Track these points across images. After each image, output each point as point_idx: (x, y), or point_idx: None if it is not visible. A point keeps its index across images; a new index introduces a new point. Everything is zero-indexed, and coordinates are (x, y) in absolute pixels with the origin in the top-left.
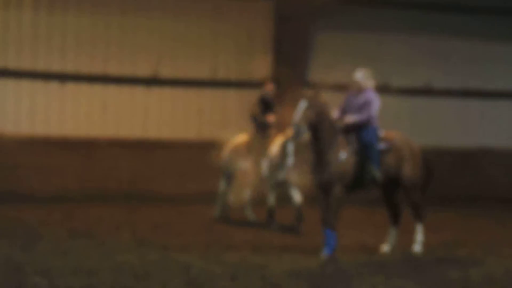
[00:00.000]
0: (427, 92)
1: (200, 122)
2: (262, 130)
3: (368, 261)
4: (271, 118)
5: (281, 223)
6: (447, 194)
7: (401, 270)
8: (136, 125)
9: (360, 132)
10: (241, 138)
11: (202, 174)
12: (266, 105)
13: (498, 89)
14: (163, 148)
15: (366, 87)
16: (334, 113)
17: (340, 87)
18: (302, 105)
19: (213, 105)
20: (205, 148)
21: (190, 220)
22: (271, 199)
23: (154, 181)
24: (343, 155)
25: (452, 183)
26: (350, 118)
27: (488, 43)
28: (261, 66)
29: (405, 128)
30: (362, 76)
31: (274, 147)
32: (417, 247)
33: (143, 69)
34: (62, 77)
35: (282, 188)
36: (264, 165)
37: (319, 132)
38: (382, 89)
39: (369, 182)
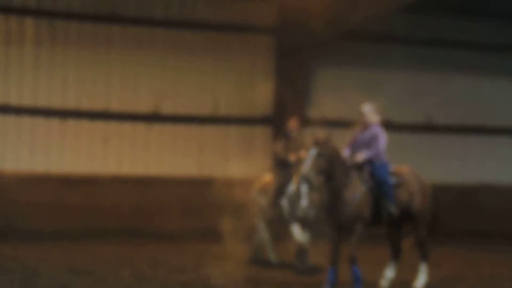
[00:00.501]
0: (428, 128)
1: (201, 158)
2: (284, 168)
3: None
4: (292, 156)
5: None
6: (448, 229)
7: None
8: (137, 161)
9: (372, 169)
10: (268, 177)
11: (202, 211)
12: (289, 143)
13: (498, 125)
14: (163, 184)
15: (372, 122)
16: (344, 152)
17: (341, 123)
18: (312, 152)
19: (214, 141)
20: (206, 185)
21: (190, 256)
22: (299, 236)
23: (154, 217)
24: (359, 194)
25: (453, 219)
26: (360, 156)
27: (488, 79)
28: (262, 102)
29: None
30: (369, 111)
31: (292, 185)
32: (418, 284)
33: (144, 106)
34: (63, 114)
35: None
36: (284, 203)
37: (332, 175)
38: (383, 125)
39: (386, 218)
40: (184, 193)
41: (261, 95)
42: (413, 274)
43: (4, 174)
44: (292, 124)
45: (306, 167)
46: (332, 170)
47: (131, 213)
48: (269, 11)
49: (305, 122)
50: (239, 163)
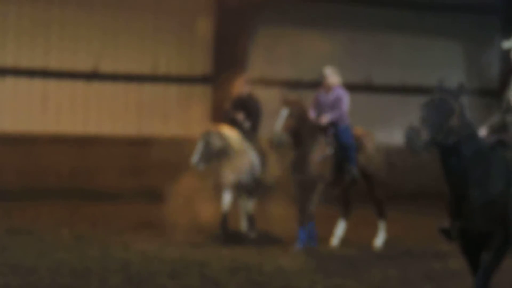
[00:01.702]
0: (367, 87)
1: (141, 117)
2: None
3: (310, 258)
4: (240, 115)
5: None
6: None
7: (341, 268)
8: (76, 120)
9: (336, 132)
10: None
11: (143, 171)
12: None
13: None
14: (103, 144)
15: (335, 84)
16: (310, 113)
17: (278, 83)
18: (284, 113)
19: (154, 100)
20: (146, 144)
21: (129, 217)
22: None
23: (94, 177)
24: (323, 155)
25: (394, 181)
26: (325, 118)
27: (427, 39)
28: (201, 61)
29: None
30: (331, 73)
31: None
32: (378, 242)
33: (83, 64)
34: (1, 72)
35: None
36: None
37: (300, 136)
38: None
39: (347, 180)
40: (124, 153)
41: (201, 54)
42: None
43: None
44: (240, 83)
45: (278, 126)
46: (301, 130)
47: (70, 172)
48: None
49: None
50: (178, 122)
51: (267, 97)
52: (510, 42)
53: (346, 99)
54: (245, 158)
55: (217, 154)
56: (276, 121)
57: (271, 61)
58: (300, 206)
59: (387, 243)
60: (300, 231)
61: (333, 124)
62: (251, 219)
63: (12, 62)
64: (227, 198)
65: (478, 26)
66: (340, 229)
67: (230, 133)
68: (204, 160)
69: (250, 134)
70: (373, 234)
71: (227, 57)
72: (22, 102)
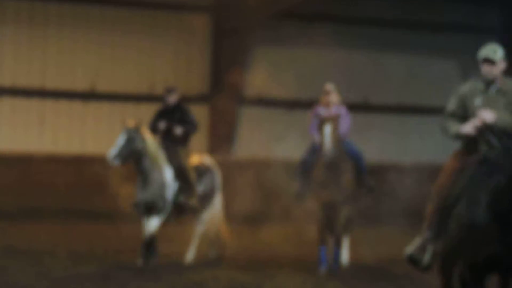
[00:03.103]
0: (364, 107)
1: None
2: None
3: (309, 276)
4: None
5: None
6: (387, 209)
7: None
8: (73, 139)
9: (345, 147)
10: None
11: None
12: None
13: (434, 105)
14: (100, 163)
15: (336, 101)
16: (311, 129)
17: (276, 102)
18: (328, 129)
19: (151, 119)
20: None
21: (126, 237)
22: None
23: (91, 196)
24: (349, 171)
25: (390, 199)
26: None
27: (422, 58)
28: (198, 81)
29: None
30: (332, 90)
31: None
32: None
33: (80, 83)
34: None
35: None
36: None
37: (338, 152)
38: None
39: (364, 193)
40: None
41: (198, 73)
42: None
43: None
44: (173, 97)
45: (328, 143)
46: (339, 146)
47: (68, 192)
48: None
49: (242, 100)
50: None
51: (265, 116)
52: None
53: (349, 116)
54: (157, 174)
55: (134, 156)
56: (323, 139)
57: (269, 80)
58: (323, 226)
59: (383, 262)
60: (321, 251)
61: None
62: (149, 243)
63: (9, 81)
64: (152, 221)
65: (475, 45)
66: (346, 247)
67: (151, 139)
68: (121, 157)
69: (173, 147)
70: (369, 254)
71: (224, 76)
72: (19, 121)
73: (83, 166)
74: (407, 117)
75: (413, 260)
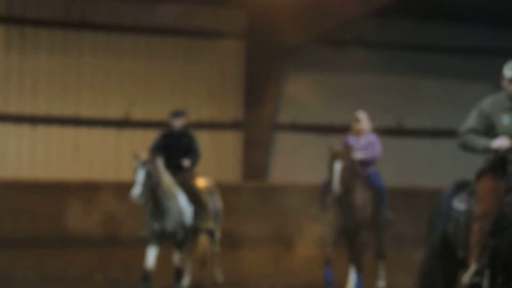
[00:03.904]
0: (398, 131)
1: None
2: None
3: None
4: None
5: None
6: (421, 234)
7: None
8: (108, 167)
9: (369, 177)
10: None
11: None
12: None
13: None
14: None
15: (367, 129)
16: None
17: (311, 128)
18: (338, 166)
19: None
20: None
21: (163, 261)
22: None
23: (126, 223)
24: (366, 201)
25: (423, 224)
26: (358, 154)
27: (457, 83)
28: (232, 107)
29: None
30: (364, 117)
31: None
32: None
33: (114, 111)
34: (34, 120)
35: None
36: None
37: (350, 185)
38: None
39: (383, 225)
40: None
41: (231, 100)
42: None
43: None
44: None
45: (336, 182)
46: (352, 182)
47: (103, 219)
48: (238, 17)
49: (276, 127)
50: (210, 168)
51: (299, 142)
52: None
53: (379, 144)
54: (172, 202)
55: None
56: (333, 175)
57: (302, 106)
58: (330, 248)
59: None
60: (327, 273)
61: (364, 165)
62: (178, 273)
63: (44, 110)
64: (152, 250)
65: None
66: (381, 276)
67: (162, 167)
68: (144, 194)
69: (182, 174)
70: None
71: (257, 102)
72: (54, 150)
73: (118, 193)
74: (441, 141)
75: (473, 285)
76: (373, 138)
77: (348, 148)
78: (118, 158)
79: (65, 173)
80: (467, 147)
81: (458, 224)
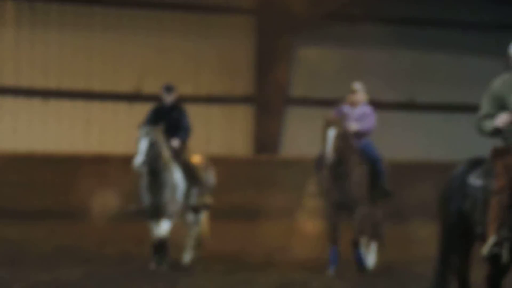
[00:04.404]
0: (410, 106)
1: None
2: None
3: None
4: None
5: None
6: (431, 208)
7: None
8: (119, 141)
9: (363, 148)
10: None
11: None
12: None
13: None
14: None
15: (362, 100)
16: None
17: (322, 102)
18: (331, 133)
19: (196, 120)
20: None
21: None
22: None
23: (137, 196)
24: (361, 173)
25: (435, 198)
26: (353, 126)
27: (470, 57)
28: (243, 81)
29: (388, 143)
30: (360, 89)
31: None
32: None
33: (126, 85)
34: (45, 94)
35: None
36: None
37: (344, 156)
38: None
39: (379, 197)
40: None
41: (243, 74)
42: None
43: None
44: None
45: (329, 148)
46: (345, 151)
47: (114, 192)
48: None
49: (287, 101)
50: (220, 142)
51: (310, 115)
52: None
53: (374, 116)
54: (168, 176)
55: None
56: (326, 143)
57: (313, 80)
58: (333, 225)
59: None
60: (332, 251)
61: (359, 137)
62: (162, 245)
63: (55, 84)
64: (153, 222)
65: None
66: (373, 251)
67: (163, 140)
68: (147, 163)
69: (177, 150)
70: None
71: (269, 77)
72: (66, 123)
73: (129, 166)
74: (453, 116)
75: (493, 256)
76: (368, 109)
77: (342, 117)
78: (129, 132)
79: (77, 147)
80: (483, 133)
81: (475, 201)
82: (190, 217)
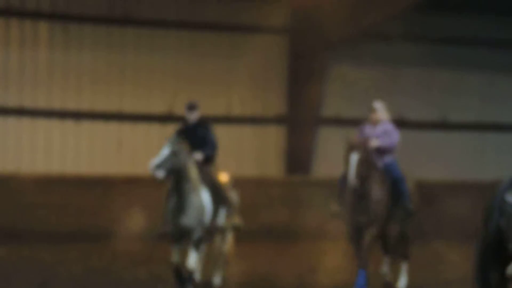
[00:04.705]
0: (443, 125)
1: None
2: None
3: None
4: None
5: None
6: (465, 228)
7: None
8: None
9: (386, 167)
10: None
11: None
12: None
13: None
14: None
15: (383, 118)
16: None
17: (355, 122)
18: (354, 158)
19: (228, 141)
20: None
21: (207, 256)
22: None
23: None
24: (382, 193)
25: (469, 217)
26: (374, 142)
27: (503, 76)
28: (276, 102)
29: (421, 162)
30: (380, 107)
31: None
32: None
33: (158, 106)
34: (78, 115)
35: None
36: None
37: (367, 179)
38: (397, 123)
39: (402, 216)
40: None
41: (275, 94)
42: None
43: (20, 176)
44: (194, 114)
45: (352, 174)
46: (369, 174)
47: (147, 213)
48: (282, 11)
49: (319, 121)
50: (253, 163)
51: (342, 136)
52: None
53: (396, 133)
54: (195, 198)
55: (175, 173)
56: (349, 167)
57: (346, 100)
58: (356, 249)
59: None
60: (360, 275)
61: (381, 154)
62: (190, 276)
63: (87, 106)
64: (176, 247)
65: None
66: (404, 273)
67: (191, 158)
68: (165, 169)
69: (204, 168)
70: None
71: (301, 97)
72: (98, 144)
73: (161, 188)
74: (486, 135)
75: None
76: (389, 126)
77: (364, 140)
78: None
79: (109, 168)
80: None
81: (510, 217)
82: (218, 238)
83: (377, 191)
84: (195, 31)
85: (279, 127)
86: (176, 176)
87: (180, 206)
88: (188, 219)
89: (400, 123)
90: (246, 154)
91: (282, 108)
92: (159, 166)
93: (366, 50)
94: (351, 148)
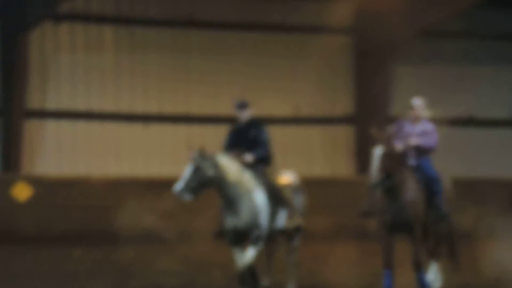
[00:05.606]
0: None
1: (285, 159)
2: None
3: None
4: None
5: None
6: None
7: None
8: None
9: (421, 166)
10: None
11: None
12: None
13: None
14: None
15: (424, 116)
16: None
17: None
18: (377, 152)
19: (297, 142)
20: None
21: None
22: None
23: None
24: (416, 192)
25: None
26: (413, 140)
27: None
28: (343, 102)
29: (492, 160)
30: (421, 104)
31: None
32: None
33: (225, 108)
34: (146, 118)
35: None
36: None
37: (396, 175)
38: (467, 121)
39: (436, 217)
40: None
41: (342, 95)
42: None
43: (91, 180)
44: (245, 113)
45: (375, 168)
46: (395, 170)
47: (217, 215)
48: (346, 11)
49: (387, 119)
50: (322, 163)
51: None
52: None
53: (436, 134)
54: (245, 199)
55: (209, 185)
56: (372, 162)
57: (411, 98)
58: (387, 248)
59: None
60: (386, 275)
61: (419, 154)
62: (247, 275)
63: (155, 108)
64: (235, 250)
65: None
66: (433, 272)
67: (228, 162)
68: (191, 190)
69: (258, 168)
70: None
71: (368, 96)
72: (167, 147)
73: None
74: None
75: None
76: (429, 126)
77: (390, 135)
78: None
79: (179, 170)
80: None
81: None
82: (279, 241)
83: (411, 191)
84: (261, 32)
85: (347, 126)
86: (214, 186)
87: (231, 210)
88: (242, 222)
89: (469, 121)
90: (316, 155)
91: (350, 108)
92: (183, 190)
93: (431, 48)
94: (376, 141)
